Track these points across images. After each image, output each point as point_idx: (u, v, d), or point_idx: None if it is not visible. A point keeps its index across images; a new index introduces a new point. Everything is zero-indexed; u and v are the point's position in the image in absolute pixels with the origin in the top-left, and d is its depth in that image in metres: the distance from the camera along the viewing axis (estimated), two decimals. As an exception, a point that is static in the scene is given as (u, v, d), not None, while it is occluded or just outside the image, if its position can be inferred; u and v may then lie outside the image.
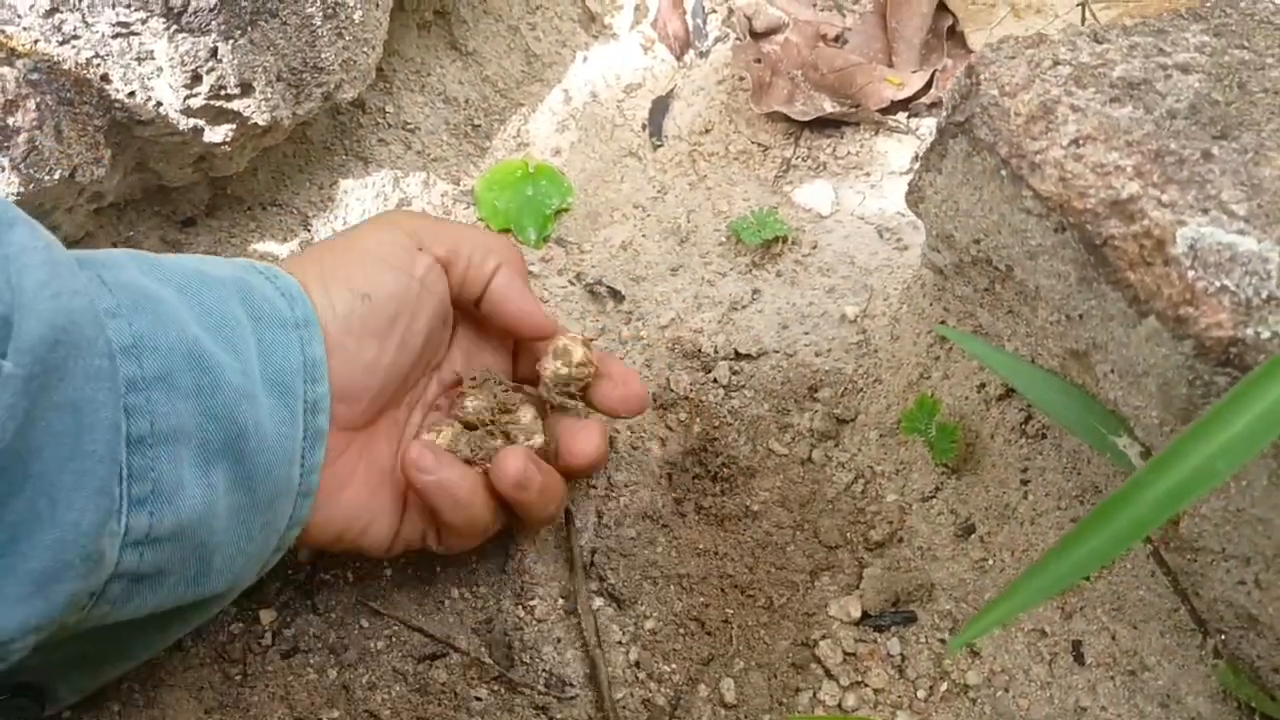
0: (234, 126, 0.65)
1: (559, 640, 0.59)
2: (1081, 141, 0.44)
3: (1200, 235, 0.41)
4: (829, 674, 0.58)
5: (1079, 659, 0.55)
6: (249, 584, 0.50)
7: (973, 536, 0.61)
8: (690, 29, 0.94)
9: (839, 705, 0.57)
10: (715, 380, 0.70)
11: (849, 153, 0.85)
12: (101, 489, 0.39)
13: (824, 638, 0.59)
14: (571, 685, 0.57)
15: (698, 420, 0.69)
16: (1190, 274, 0.40)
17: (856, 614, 0.59)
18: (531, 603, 0.60)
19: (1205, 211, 0.41)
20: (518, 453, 0.54)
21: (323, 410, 0.49)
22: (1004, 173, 0.46)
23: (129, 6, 0.58)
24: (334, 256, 0.54)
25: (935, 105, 0.87)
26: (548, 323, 0.59)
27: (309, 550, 0.60)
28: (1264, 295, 0.39)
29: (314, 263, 0.53)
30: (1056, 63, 0.48)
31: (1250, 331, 0.39)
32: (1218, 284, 0.40)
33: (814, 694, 0.57)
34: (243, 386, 0.45)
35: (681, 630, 0.60)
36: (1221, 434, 0.33)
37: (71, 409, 0.38)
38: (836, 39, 0.92)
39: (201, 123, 0.64)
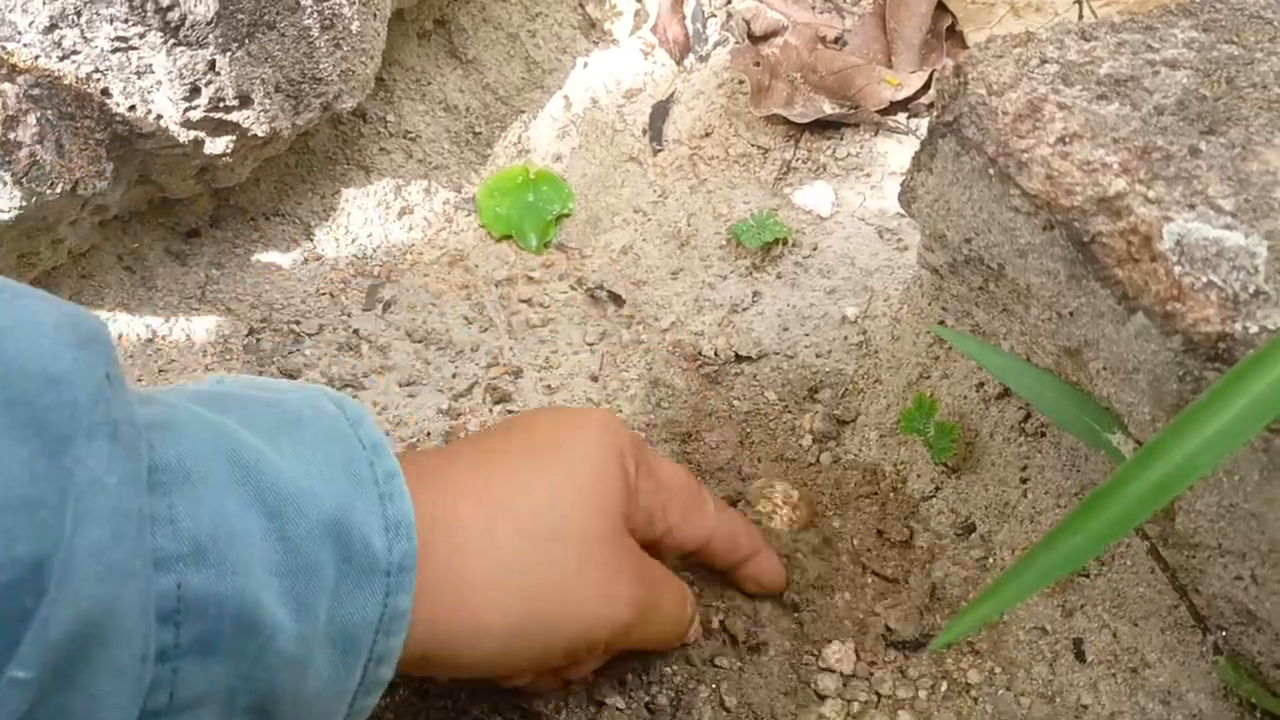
0: (234, 138, 0.66)
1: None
2: (1068, 139, 0.44)
3: (1187, 231, 0.41)
4: (830, 672, 0.58)
5: (1080, 657, 0.55)
6: None
7: (973, 535, 0.61)
8: (689, 34, 0.94)
9: (842, 705, 0.57)
10: (716, 383, 0.71)
11: (849, 154, 0.86)
12: None
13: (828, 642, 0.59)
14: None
15: (698, 421, 0.69)
16: (1177, 269, 0.40)
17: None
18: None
19: (1192, 207, 0.41)
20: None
21: (389, 663, 0.42)
22: (992, 171, 0.47)
23: (127, 21, 0.58)
24: (525, 563, 0.46)
25: (934, 105, 0.87)
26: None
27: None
28: (1251, 290, 0.39)
29: (493, 475, 0.47)
30: (1044, 61, 0.48)
31: (1238, 326, 0.39)
32: (1205, 279, 0.40)
33: (815, 693, 0.57)
34: (294, 654, 0.38)
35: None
36: (1206, 428, 0.33)
37: (85, 696, 0.32)
38: (835, 41, 0.92)
39: (202, 135, 0.65)
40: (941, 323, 0.61)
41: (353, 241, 0.80)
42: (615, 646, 0.51)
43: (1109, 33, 0.49)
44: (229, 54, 0.62)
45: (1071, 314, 0.46)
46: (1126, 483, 0.33)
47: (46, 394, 0.31)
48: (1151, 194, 0.42)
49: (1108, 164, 0.43)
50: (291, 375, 0.71)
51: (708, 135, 0.88)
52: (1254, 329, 0.39)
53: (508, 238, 0.81)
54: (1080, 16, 0.80)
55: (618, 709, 0.56)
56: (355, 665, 0.41)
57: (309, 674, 0.39)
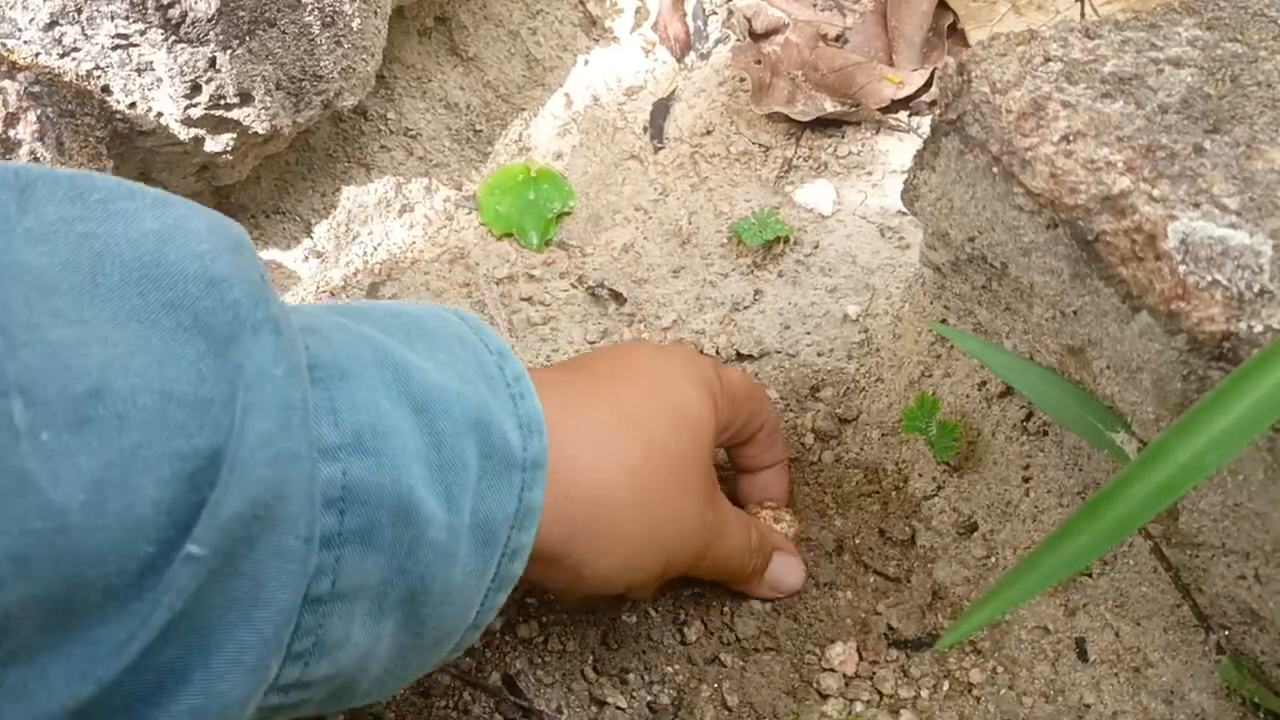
0: (234, 135, 0.66)
1: (561, 641, 0.59)
2: (1072, 138, 0.44)
3: (1192, 229, 0.40)
4: (832, 672, 0.58)
5: (1083, 656, 0.55)
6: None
7: (975, 534, 0.61)
8: (691, 31, 0.94)
9: (844, 705, 0.57)
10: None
11: (850, 152, 0.85)
12: (259, 665, 0.35)
13: (830, 642, 0.59)
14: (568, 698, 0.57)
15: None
16: (1182, 268, 0.40)
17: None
18: (535, 606, 0.60)
19: (1197, 206, 0.41)
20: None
21: (520, 558, 0.44)
22: (996, 170, 0.46)
23: (127, 19, 0.58)
24: (638, 396, 0.51)
25: (936, 103, 0.87)
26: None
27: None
28: (1256, 289, 0.39)
29: (605, 393, 0.50)
30: (1048, 59, 0.48)
31: (1243, 325, 0.39)
32: (1210, 278, 0.40)
33: (818, 693, 0.57)
34: (445, 544, 0.40)
35: (683, 629, 0.60)
36: (1211, 427, 0.33)
37: (251, 579, 0.33)
38: (837, 39, 0.92)
39: (202, 132, 0.65)
40: (944, 321, 0.61)
41: (353, 239, 0.80)
42: (685, 572, 0.54)
43: (1113, 30, 0.49)
44: (230, 51, 0.61)
45: (1075, 313, 0.46)
46: (1131, 483, 0.33)
47: (208, 296, 0.32)
48: (1156, 193, 0.42)
49: (1112, 162, 0.43)
50: (292, 373, 0.71)
51: (709, 133, 0.88)
52: (1259, 328, 0.39)
53: (508, 236, 0.81)
54: (1082, 15, 0.80)
55: (619, 708, 0.56)
56: (492, 558, 0.43)
57: (456, 566, 0.41)
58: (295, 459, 0.34)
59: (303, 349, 0.36)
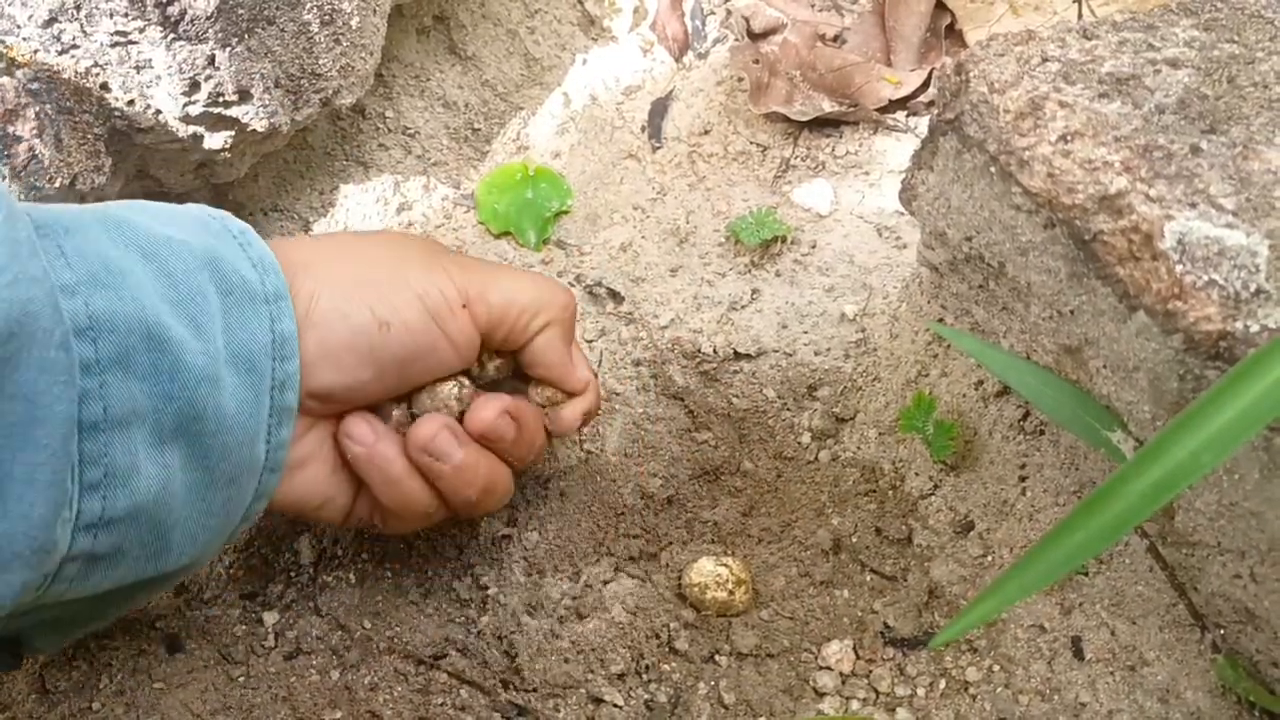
0: (233, 133, 0.66)
1: (560, 641, 0.59)
2: (1070, 137, 0.44)
3: (1188, 229, 0.41)
4: (829, 670, 0.58)
5: (1078, 655, 0.55)
6: (215, 555, 0.51)
7: (972, 533, 0.61)
8: (689, 31, 0.94)
9: (841, 703, 0.57)
10: (715, 380, 0.71)
11: (848, 152, 0.86)
12: (54, 481, 0.38)
13: (827, 640, 0.59)
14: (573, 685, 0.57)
15: (698, 420, 0.69)
16: (1179, 268, 0.40)
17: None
18: (534, 606, 0.60)
19: (1193, 206, 0.41)
20: (434, 418, 0.53)
21: (291, 388, 0.48)
22: (993, 169, 0.47)
23: (127, 16, 0.58)
24: (365, 270, 0.52)
25: (934, 104, 0.87)
26: (579, 381, 0.58)
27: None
28: (1252, 289, 0.40)
29: (337, 261, 0.52)
30: (1045, 59, 0.48)
31: (1239, 325, 0.39)
32: (1206, 278, 0.40)
33: (814, 691, 0.57)
34: (204, 368, 0.44)
35: (683, 628, 0.60)
36: (1207, 427, 0.33)
37: (24, 400, 0.37)
38: (835, 39, 0.92)
39: (201, 130, 0.65)
40: (941, 320, 0.61)
41: (351, 237, 0.80)
42: (488, 308, 0.54)
43: (1110, 31, 0.49)
44: (228, 49, 0.61)
45: (1072, 312, 0.46)
46: (1128, 481, 0.33)
47: None
48: (1153, 192, 0.42)
49: (1109, 162, 0.43)
50: (290, 371, 0.71)
51: (707, 133, 0.88)
52: (1255, 328, 0.39)
53: (506, 234, 0.81)
54: (1080, 15, 0.80)
55: (616, 706, 0.56)
56: (262, 389, 0.46)
57: (223, 391, 0.44)
58: (33, 281, 0.37)
59: (18, 205, 0.39)
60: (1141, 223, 0.41)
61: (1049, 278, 0.46)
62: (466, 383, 0.55)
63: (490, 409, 0.54)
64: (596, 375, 0.61)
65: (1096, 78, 0.46)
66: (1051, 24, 0.88)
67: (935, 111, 0.51)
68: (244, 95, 0.64)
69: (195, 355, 0.43)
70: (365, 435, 0.52)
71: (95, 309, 0.41)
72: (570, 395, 0.58)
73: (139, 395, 0.42)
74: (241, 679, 0.58)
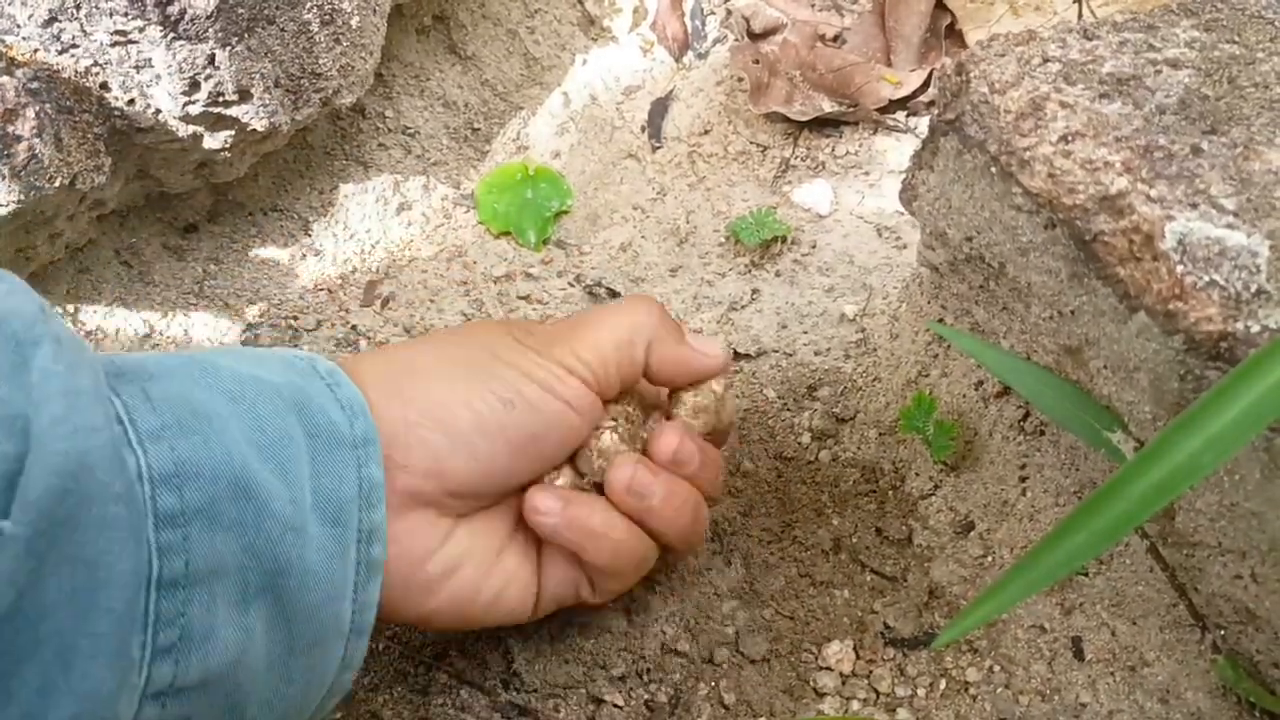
0: (233, 133, 0.66)
1: (559, 643, 0.59)
2: (1070, 138, 0.44)
3: (1189, 230, 0.41)
4: (829, 670, 0.58)
5: (1079, 655, 0.55)
6: None
7: (972, 534, 0.61)
8: (689, 31, 0.94)
9: (841, 703, 0.57)
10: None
11: (848, 152, 0.86)
12: (121, 650, 0.35)
13: (827, 640, 0.59)
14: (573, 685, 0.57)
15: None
16: (1179, 269, 0.40)
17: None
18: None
19: (1194, 206, 0.41)
20: (626, 458, 0.51)
21: (379, 539, 0.45)
22: (994, 170, 0.47)
23: (126, 15, 0.58)
24: (463, 362, 0.49)
25: (934, 104, 0.87)
26: (706, 358, 0.55)
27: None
28: (1253, 289, 0.39)
29: (436, 361, 0.49)
30: (1046, 59, 0.48)
31: (1240, 325, 0.39)
32: (1207, 278, 0.40)
33: (814, 691, 0.57)
34: (290, 518, 0.41)
35: (683, 627, 0.60)
36: (1208, 428, 0.33)
37: (85, 564, 0.34)
38: (835, 39, 0.92)
39: (200, 129, 0.65)
40: (941, 321, 0.61)
41: (351, 237, 0.80)
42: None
43: (1111, 32, 0.49)
44: (229, 48, 0.61)
45: (1073, 312, 0.46)
46: (1129, 482, 0.33)
47: None
48: (1154, 193, 0.42)
49: (1110, 163, 0.43)
50: (289, 371, 0.71)
51: (707, 133, 0.88)
52: (1256, 328, 0.39)
53: (506, 234, 0.81)
54: (1080, 16, 0.80)
55: (616, 706, 0.56)
56: (348, 540, 0.43)
57: (308, 543, 0.41)
58: (92, 431, 0.35)
59: (89, 354, 0.38)
60: (1142, 223, 0.41)
61: (1049, 278, 0.46)
62: (618, 424, 0.53)
63: (670, 435, 0.52)
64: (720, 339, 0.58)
65: (1097, 78, 0.46)
66: (1052, 24, 0.88)
67: (936, 111, 0.51)
68: (244, 95, 0.64)
69: (282, 504, 0.41)
70: (552, 504, 0.50)
71: (181, 455, 0.38)
72: (709, 379, 0.56)
73: (223, 549, 0.39)
74: (241, 679, 0.57)
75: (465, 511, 0.49)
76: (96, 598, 0.34)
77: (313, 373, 0.45)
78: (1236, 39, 0.49)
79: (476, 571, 0.49)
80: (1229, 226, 0.41)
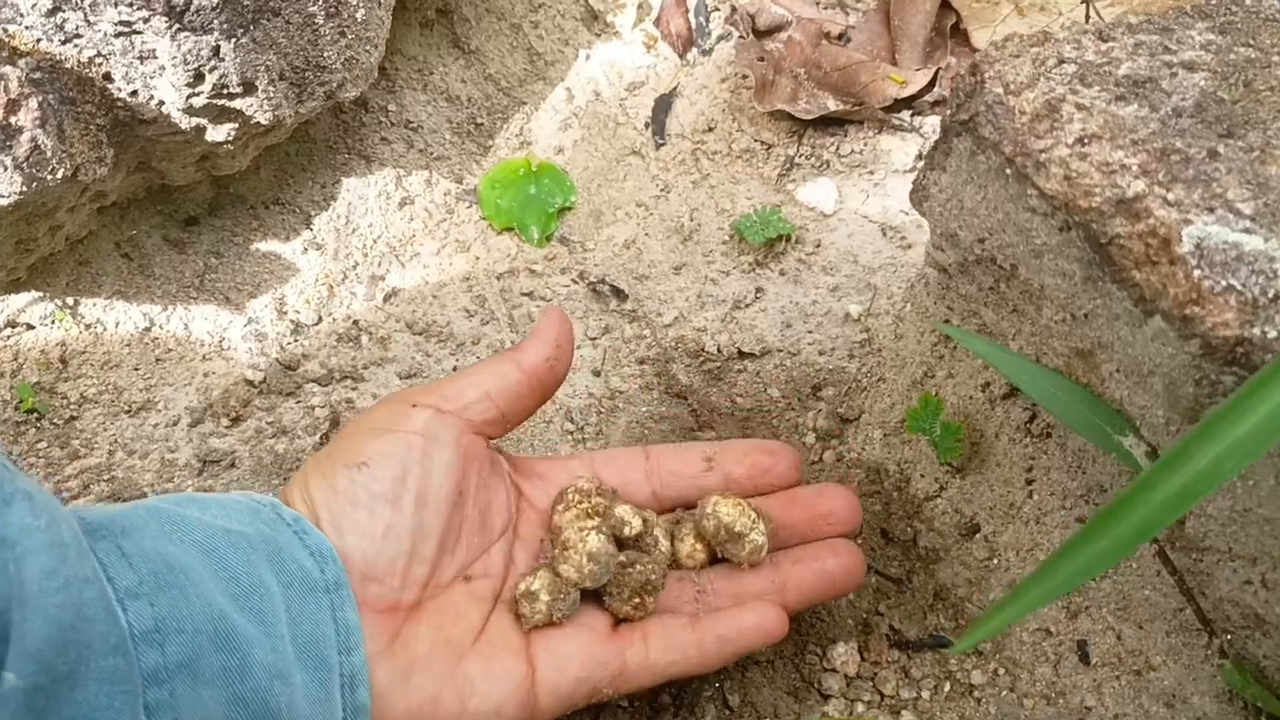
0: (236, 125, 0.65)
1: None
2: (1087, 140, 0.44)
3: (1207, 234, 0.40)
4: (834, 672, 0.58)
5: (1084, 659, 0.55)
6: None
7: (978, 536, 0.61)
8: (693, 27, 0.93)
9: (845, 705, 0.57)
10: (719, 379, 0.70)
11: (852, 151, 0.85)
12: None
13: (832, 642, 0.59)
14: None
15: (701, 420, 0.69)
16: (1197, 273, 0.40)
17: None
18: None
19: (1211, 210, 0.41)
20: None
21: (361, 683, 0.44)
22: (1009, 171, 0.46)
23: (131, 5, 0.57)
24: (330, 449, 0.50)
25: (939, 103, 0.86)
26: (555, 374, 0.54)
27: None
28: (1270, 294, 0.39)
29: (314, 465, 0.49)
30: (1061, 61, 0.47)
31: (1257, 331, 0.39)
32: (1224, 283, 0.40)
33: (819, 693, 0.57)
34: (274, 665, 0.41)
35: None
36: (1229, 434, 0.33)
37: (82, 713, 0.34)
38: (840, 37, 0.91)
39: (204, 122, 0.64)
40: (947, 321, 0.61)
41: (353, 231, 0.79)
42: None
43: (1126, 33, 0.49)
44: (234, 40, 0.61)
45: (1086, 316, 0.46)
46: (1149, 489, 0.33)
47: None
48: (1171, 196, 0.41)
49: (1127, 165, 0.43)
50: (290, 366, 0.70)
51: (710, 130, 0.88)
52: (1273, 334, 0.39)
53: (509, 230, 0.80)
54: (1087, 17, 0.80)
55: (620, 706, 0.56)
56: (332, 685, 0.43)
57: (295, 689, 0.42)
58: (85, 582, 0.35)
59: (62, 509, 0.38)
60: (1159, 226, 0.41)
61: (1063, 280, 0.46)
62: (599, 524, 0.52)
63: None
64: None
65: (1113, 80, 0.46)
66: (1060, 25, 0.87)
67: (948, 112, 0.51)
68: (248, 87, 0.63)
69: (265, 652, 0.41)
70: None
71: (160, 611, 0.38)
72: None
73: (210, 702, 0.39)
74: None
75: (404, 599, 0.48)
76: None
77: (278, 521, 0.46)
78: (1251, 42, 0.49)
79: (436, 672, 0.48)
80: (1246, 231, 0.40)
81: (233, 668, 0.40)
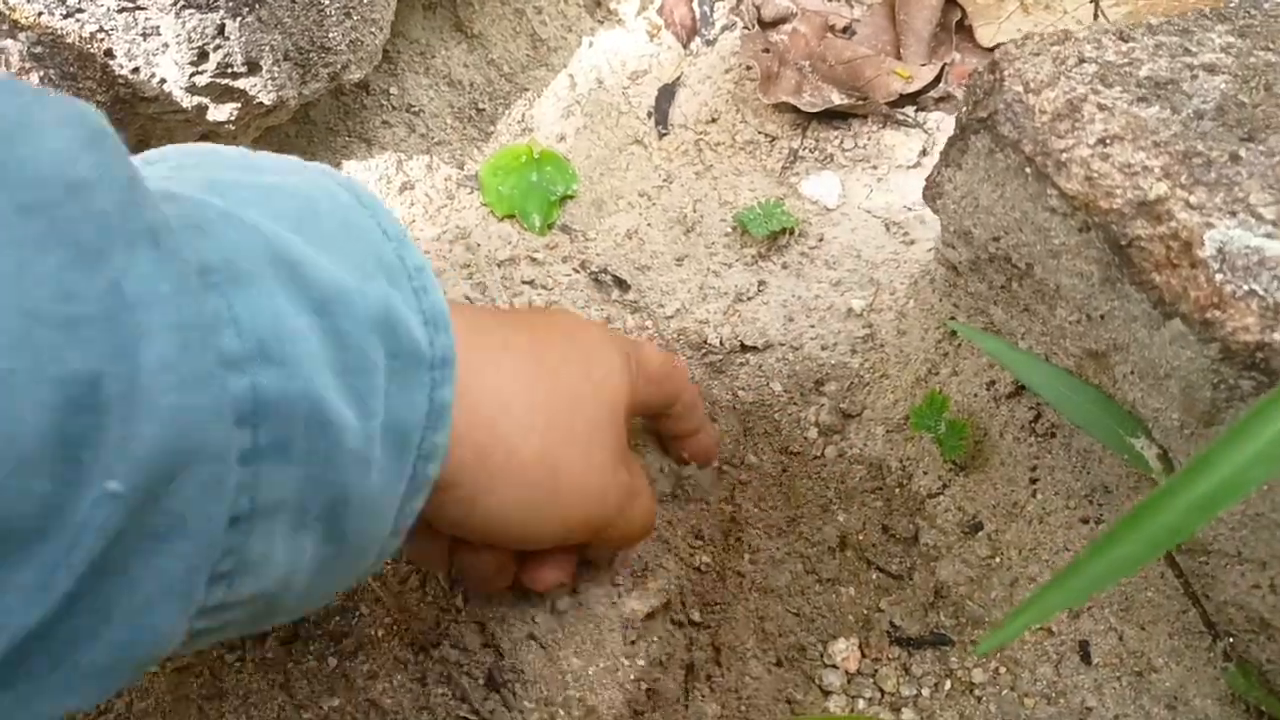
0: (239, 105, 0.64)
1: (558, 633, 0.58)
2: (1109, 141, 0.44)
3: (1229, 238, 0.40)
4: (835, 669, 0.57)
5: (1086, 659, 0.55)
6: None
7: (980, 534, 0.61)
8: (697, 17, 0.93)
9: (846, 702, 0.57)
10: (721, 372, 0.70)
11: (856, 145, 0.85)
12: (186, 593, 0.33)
13: (833, 638, 0.59)
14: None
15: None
16: (1218, 277, 0.40)
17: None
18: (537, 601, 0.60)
19: (1233, 214, 0.41)
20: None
21: (435, 458, 0.42)
22: (1028, 170, 0.46)
23: (136, -20, 0.56)
24: (559, 350, 0.50)
25: (944, 99, 0.86)
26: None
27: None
28: (1292, 300, 0.39)
29: (525, 335, 0.49)
30: (1082, 60, 0.47)
31: (1278, 336, 0.39)
32: (1246, 287, 0.40)
33: (820, 689, 0.57)
34: (360, 451, 0.38)
35: (686, 624, 0.59)
36: (1255, 441, 0.33)
37: (176, 518, 0.32)
38: (844, 30, 0.91)
39: (206, 101, 0.63)
40: (953, 318, 0.61)
41: (352, 216, 0.78)
42: (592, 536, 0.52)
43: (1146, 34, 0.49)
44: (239, 19, 0.60)
45: (1102, 317, 0.46)
46: (1174, 495, 0.33)
47: (69, 203, 0.28)
48: (1193, 199, 0.41)
49: (1149, 167, 0.42)
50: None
51: (714, 121, 0.87)
52: (1293, 340, 0.39)
53: (510, 217, 0.80)
54: (1095, 16, 0.80)
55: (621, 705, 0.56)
56: (407, 461, 0.41)
57: (373, 472, 0.39)
58: (202, 382, 0.31)
59: (189, 255, 0.32)
60: (1181, 230, 0.41)
61: (1080, 281, 0.46)
62: None
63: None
64: None
65: (1134, 81, 0.46)
66: (1066, 23, 0.87)
67: (965, 109, 0.50)
68: (253, 67, 0.62)
69: (354, 437, 0.38)
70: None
71: (261, 391, 0.34)
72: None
73: (290, 482, 0.36)
74: (237, 664, 0.56)
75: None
76: (176, 548, 0.32)
77: (401, 269, 0.41)
78: (1271, 46, 0.48)
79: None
80: (1268, 235, 0.40)
81: (319, 451, 0.36)
